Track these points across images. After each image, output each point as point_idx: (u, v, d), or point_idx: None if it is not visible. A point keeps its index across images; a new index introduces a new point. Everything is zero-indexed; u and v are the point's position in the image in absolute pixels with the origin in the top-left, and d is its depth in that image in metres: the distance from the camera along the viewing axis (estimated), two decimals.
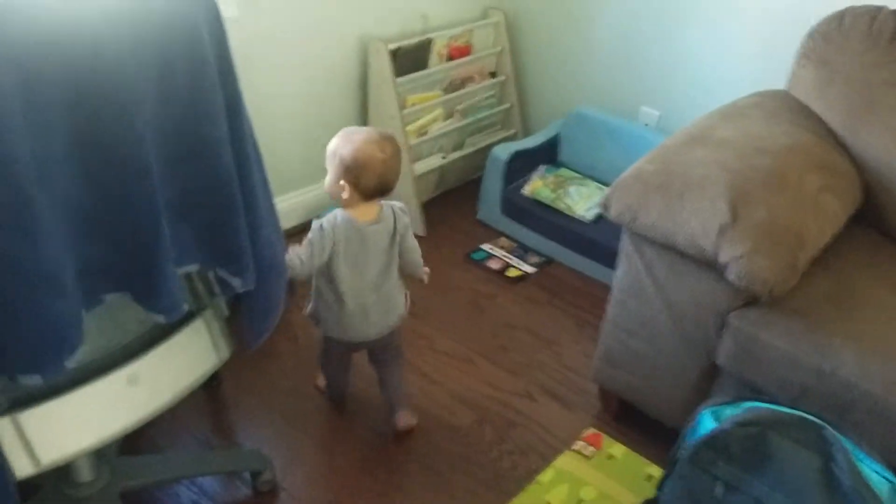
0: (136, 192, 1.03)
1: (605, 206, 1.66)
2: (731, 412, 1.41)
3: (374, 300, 1.67)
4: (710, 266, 1.53)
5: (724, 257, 1.48)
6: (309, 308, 1.73)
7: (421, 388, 1.98)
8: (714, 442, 1.36)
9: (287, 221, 2.51)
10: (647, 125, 2.64)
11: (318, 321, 1.73)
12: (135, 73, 1.01)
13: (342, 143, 1.60)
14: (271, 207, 1.35)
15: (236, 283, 1.26)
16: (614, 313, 1.78)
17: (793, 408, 1.39)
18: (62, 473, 1.41)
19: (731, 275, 1.48)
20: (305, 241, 1.60)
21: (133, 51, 1.00)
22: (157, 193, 1.05)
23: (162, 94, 1.05)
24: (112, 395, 1.17)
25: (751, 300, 1.55)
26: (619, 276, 1.74)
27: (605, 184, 2.58)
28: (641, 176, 1.63)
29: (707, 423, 1.42)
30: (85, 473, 1.42)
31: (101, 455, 1.47)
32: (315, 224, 1.61)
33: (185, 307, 1.15)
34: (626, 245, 1.70)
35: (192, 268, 1.23)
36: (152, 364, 1.23)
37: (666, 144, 1.72)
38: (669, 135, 1.78)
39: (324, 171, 2.50)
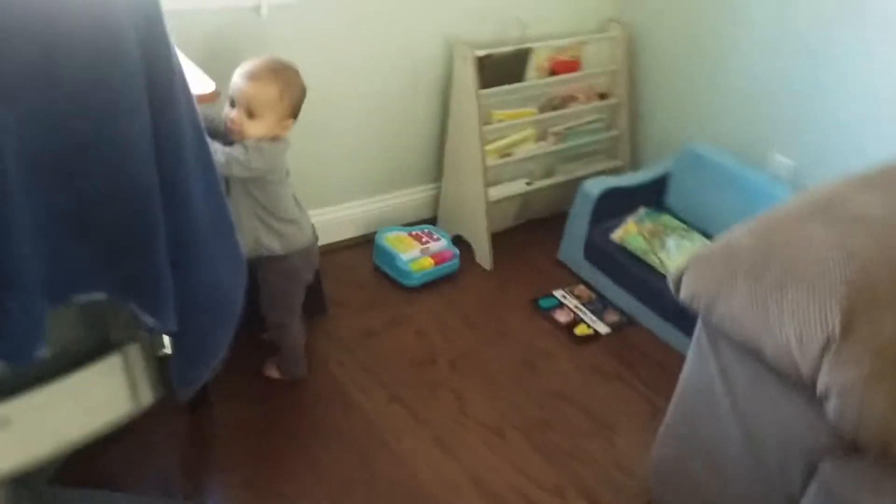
0: None
1: (675, 282, 1.26)
2: None
3: None
4: (805, 390, 1.11)
5: (824, 383, 1.06)
6: (264, 247, 1.62)
7: (431, 458, 1.65)
8: None
9: (346, 232, 2.29)
10: (777, 176, 2.17)
11: (281, 251, 1.64)
12: None
13: (284, 84, 1.50)
14: (225, 230, 1.07)
15: (148, 320, 0.99)
16: (675, 419, 1.38)
17: None
18: None
19: (832, 410, 1.05)
20: (252, 151, 1.49)
21: None
22: (10, 202, 0.79)
23: (42, 76, 0.80)
24: None
25: (854, 448, 1.11)
26: (688, 374, 1.34)
27: None
28: (731, 250, 1.23)
29: None
30: None
31: (21, 481, 1.25)
32: (254, 146, 1.50)
33: (41, 352, 0.89)
34: (699, 335, 1.30)
35: (97, 296, 0.97)
36: (35, 405, 0.99)
37: (777, 211, 1.31)
38: (803, 191, 1.36)
39: (393, 181, 2.27)
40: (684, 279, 1.25)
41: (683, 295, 1.25)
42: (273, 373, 1.81)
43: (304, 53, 1.93)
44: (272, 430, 1.68)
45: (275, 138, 1.54)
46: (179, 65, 0.92)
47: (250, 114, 1.49)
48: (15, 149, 0.79)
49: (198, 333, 1.06)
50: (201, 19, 1.73)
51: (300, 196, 1.68)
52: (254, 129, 1.50)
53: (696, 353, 1.30)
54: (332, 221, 2.23)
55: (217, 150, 1.42)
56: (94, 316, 1.06)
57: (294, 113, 1.56)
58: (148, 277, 0.96)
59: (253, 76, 1.48)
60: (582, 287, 2.26)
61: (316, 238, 1.75)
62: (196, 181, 0.98)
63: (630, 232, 2.20)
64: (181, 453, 1.61)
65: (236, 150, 1.47)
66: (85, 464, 1.47)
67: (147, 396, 1.12)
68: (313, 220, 2.15)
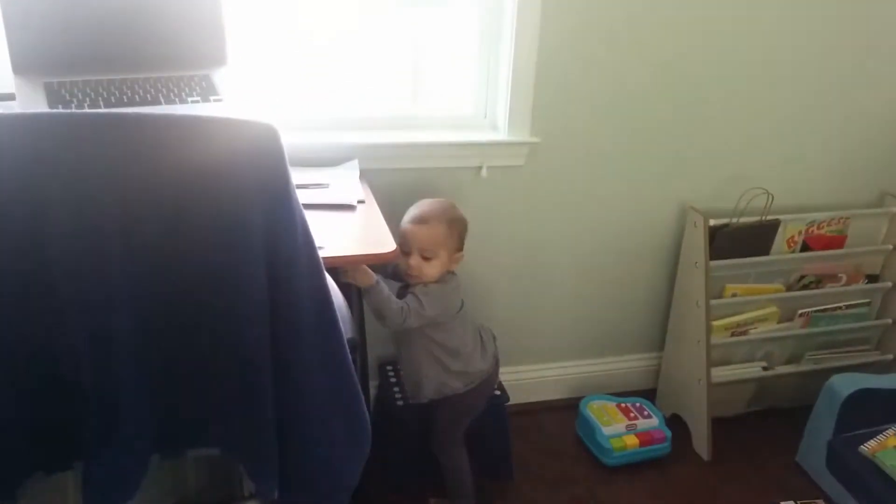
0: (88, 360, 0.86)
1: None
2: None
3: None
4: None
5: None
6: (436, 387, 1.63)
7: None
8: None
9: (553, 393, 2.21)
10: None
11: (464, 389, 1.64)
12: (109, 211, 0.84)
13: (449, 221, 1.56)
14: (348, 403, 1.06)
15: (250, 485, 1.01)
16: None
17: None
18: None
19: None
20: (424, 298, 1.52)
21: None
22: (119, 362, 0.87)
23: (167, 242, 0.87)
24: None
25: None
26: None
27: None
28: None
29: None
30: None
31: None
32: (424, 292, 1.54)
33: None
34: None
35: (212, 451, 1.02)
36: None
37: None
38: None
39: (610, 346, 2.18)
40: None
41: None
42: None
43: (522, 213, 1.96)
44: None
45: (445, 277, 1.58)
46: (307, 240, 0.95)
47: (425, 256, 1.53)
48: (131, 313, 0.87)
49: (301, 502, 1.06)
50: (425, 176, 1.83)
51: (506, 352, 1.67)
52: (432, 270, 1.54)
53: None
54: (539, 380, 2.16)
55: (391, 308, 1.47)
56: (221, 469, 1.11)
57: (462, 245, 1.61)
58: (252, 444, 0.99)
59: (421, 220, 1.54)
60: (820, 503, 1.88)
61: (496, 364, 1.72)
62: (314, 357, 0.99)
63: (887, 446, 1.80)
64: None
65: (410, 302, 1.51)
66: None
67: None
68: (519, 377, 2.12)
